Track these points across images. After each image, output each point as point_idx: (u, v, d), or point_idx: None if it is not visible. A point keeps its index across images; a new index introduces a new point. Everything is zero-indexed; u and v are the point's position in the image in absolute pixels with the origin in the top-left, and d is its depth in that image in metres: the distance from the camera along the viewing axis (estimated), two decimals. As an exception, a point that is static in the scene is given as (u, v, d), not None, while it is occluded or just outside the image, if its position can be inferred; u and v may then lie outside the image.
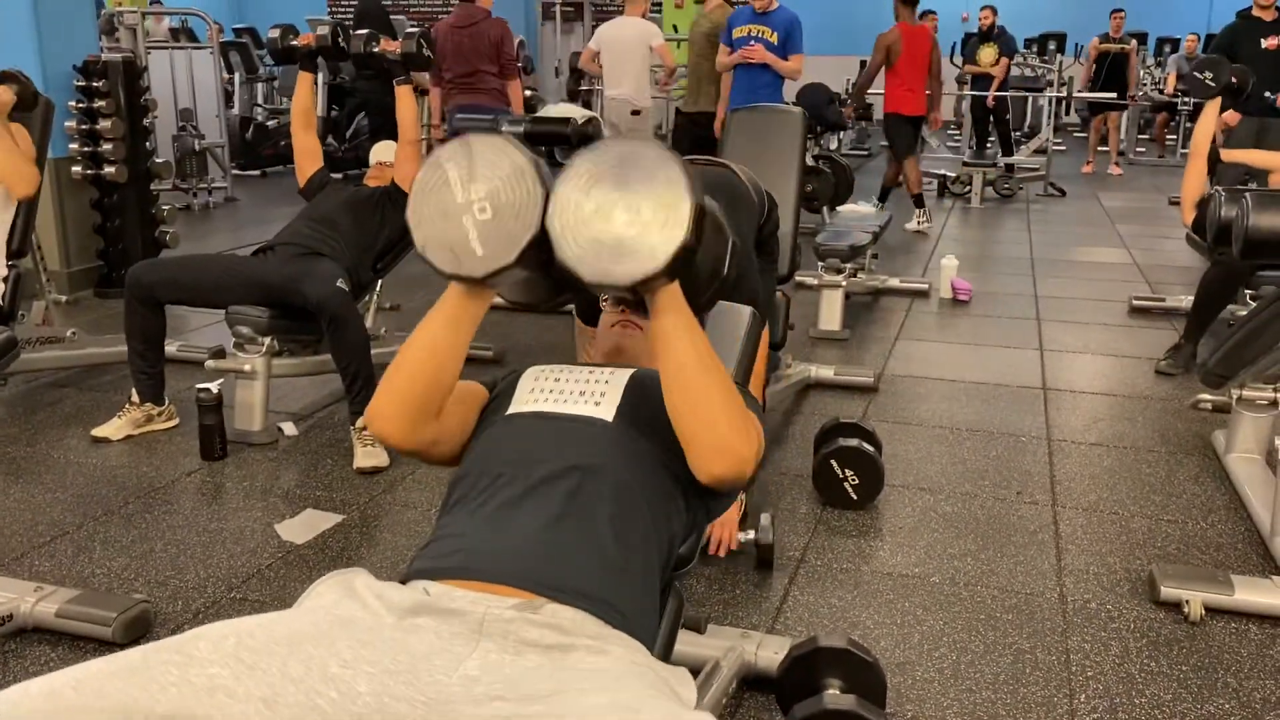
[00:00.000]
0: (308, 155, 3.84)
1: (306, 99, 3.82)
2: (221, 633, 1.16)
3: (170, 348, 3.93)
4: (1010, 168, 9.55)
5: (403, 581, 1.34)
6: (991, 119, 10.00)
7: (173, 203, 5.74)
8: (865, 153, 12.81)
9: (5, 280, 3.56)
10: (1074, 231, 7.73)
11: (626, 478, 1.42)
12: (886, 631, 2.36)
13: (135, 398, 3.46)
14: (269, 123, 10.42)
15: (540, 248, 1.34)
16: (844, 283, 4.76)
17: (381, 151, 4.03)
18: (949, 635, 2.35)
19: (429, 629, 1.21)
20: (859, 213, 5.73)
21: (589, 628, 1.24)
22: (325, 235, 3.54)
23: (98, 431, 3.41)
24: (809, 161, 7.11)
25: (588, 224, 1.31)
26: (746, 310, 1.97)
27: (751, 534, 2.60)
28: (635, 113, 6.70)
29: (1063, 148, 12.73)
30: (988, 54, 9.76)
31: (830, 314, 4.77)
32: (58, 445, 3.39)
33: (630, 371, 1.58)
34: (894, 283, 5.60)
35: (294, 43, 3.78)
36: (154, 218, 5.47)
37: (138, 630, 2.26)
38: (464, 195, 1.35)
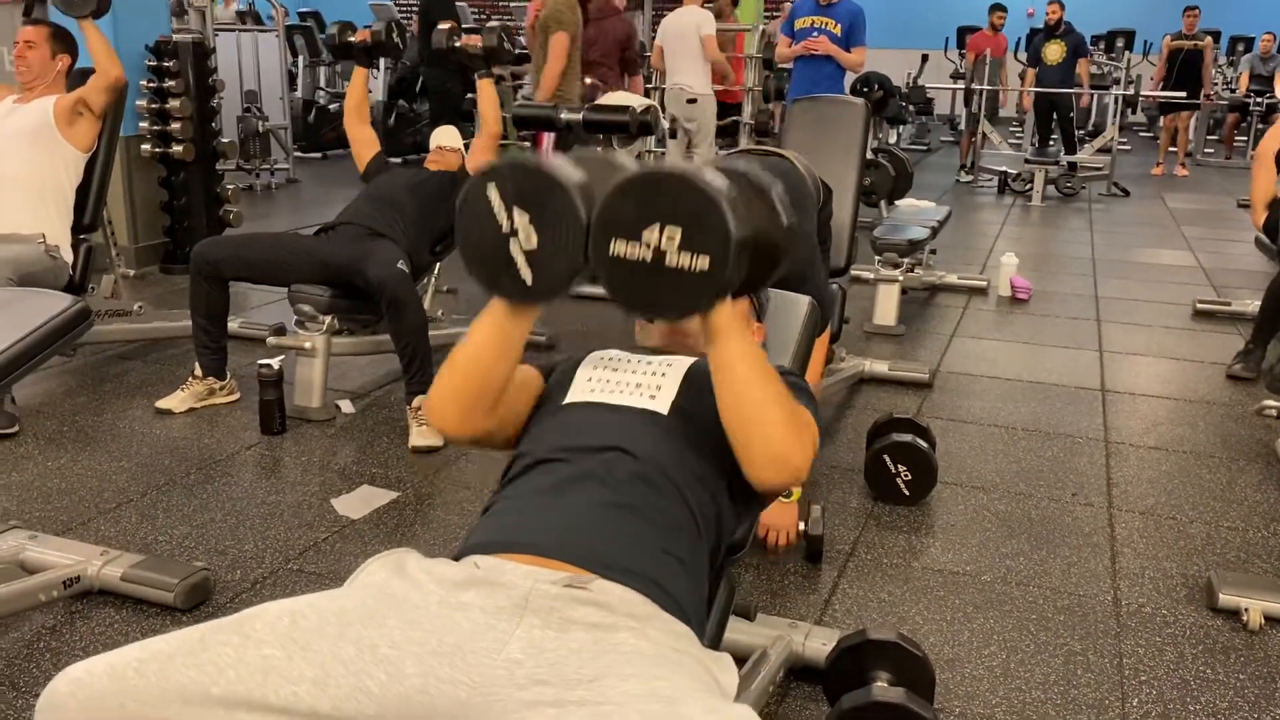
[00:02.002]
0: (364, 144, 3.92)
1: (361, 92, 3.96)
2: (276, 612, 1.20)
3: (233, 324, 3.99)
4: (1073, 166, 9.39)
5: (455, 558, 1.36)
6: (1055, 116, 9.83)
7: (236, 183, 5.84)
8: (925, 147, 12.69)
9: (75, 251, 3.64)
10: (1137, 232, 7.59)
11: (678, 470, 1.43)
12: (936, 628, 2.35)
13: (198, 371, 3.53)
14: (331, 106, 10.55)
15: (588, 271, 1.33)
16: (900, 277, 4.72)
17: (441, 136, 4.08)
18: (999, 634, 2.33)
19: (475, 605, 1.23)
20: (917, 207, 5.67)
21: (636, 608, 1.25)
22: (387, 216, 3.59)
23: (161, 404, 3.49)
24: (868, 155, 7.05)
25: (626, 260, 1.28)
26: (805, 300, 1.98)
27: (802, 525, 2.60)
28: (691, 101, 6.70)
29: (1128, 147, 12.50)
30: (1054, 50, 9.58)
31: (886, 308, 4.74)
32: (123, 415, 3.48)
33: (688, 364, 1.59)
34: (952, 279, 5.54)
35: (351, 39, 3.92)
36: (219, 196, 5.57)
37: (198, 596, 2.32)
38: (508, 222, 1.34)
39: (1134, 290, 5.72)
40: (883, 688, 1.84)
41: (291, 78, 9.99)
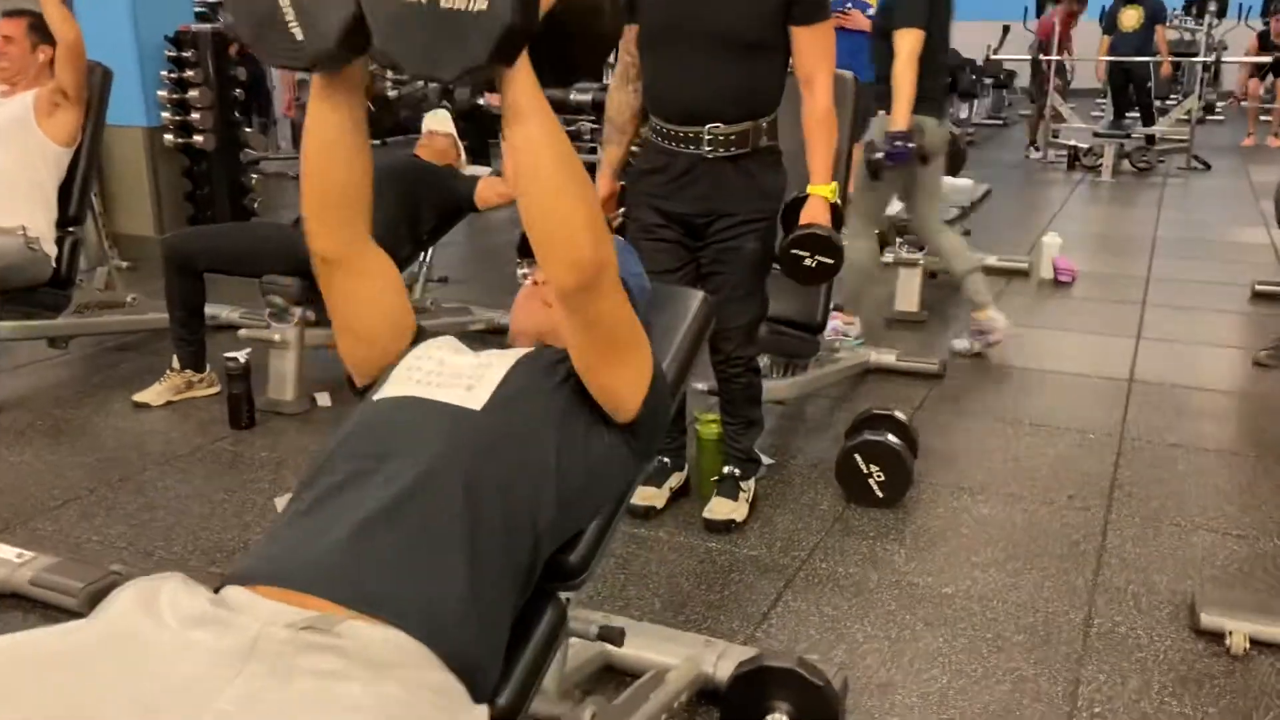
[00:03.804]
0: None
1: None
2: None
3: (233, 314, 3.98)
4: (1150, 139, 8.88)
5: (219, 586, 1.24)
6: (1131, 87, 9.30)
7: (288, 170, 5.83)
8: (1000, 122, 12.18)
9: (60, 244, 3.62)
10: (1210, 209, 7.12)
11: (477, 476, 1.28)
12: (876, 646, 2.15)
13: (176, 364, 3.50)
14: (390, 93, 10.56)
15: (365, 29, 1.18)
16: (922, 260, 4.46)
17: (433, 120, 3.97)
18: (945, 655, 2.12)
19: (204, 645, 1.10)
20: (953, 185, 5.36)
21: (377, 653, 1.11)
22: (363, 205, 3.50)
23: (139, 397, 3.46)
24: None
25: (401, 3, 1.13)
26: (697, 295, 1.81)
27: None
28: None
29: (1220, 118, 11.81)
30: (1130, 16, 9.06)
31: (907, 294, 4.49)
32: (101, 409, 3.46)
33: (518, 355, 1.44)
34: (990, 261, 5.22)
35: None
36: (243, 185, 5.58)
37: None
38: None
39: (1191, 271, 5.33)
40: (766, 721, 1.67)
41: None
